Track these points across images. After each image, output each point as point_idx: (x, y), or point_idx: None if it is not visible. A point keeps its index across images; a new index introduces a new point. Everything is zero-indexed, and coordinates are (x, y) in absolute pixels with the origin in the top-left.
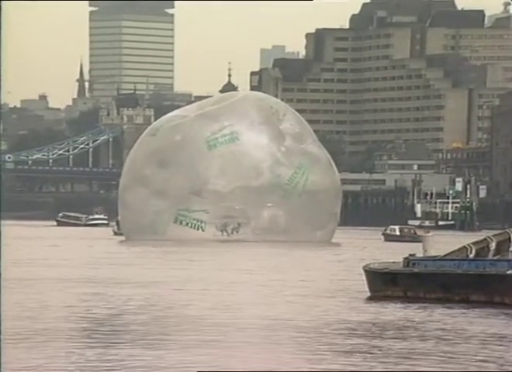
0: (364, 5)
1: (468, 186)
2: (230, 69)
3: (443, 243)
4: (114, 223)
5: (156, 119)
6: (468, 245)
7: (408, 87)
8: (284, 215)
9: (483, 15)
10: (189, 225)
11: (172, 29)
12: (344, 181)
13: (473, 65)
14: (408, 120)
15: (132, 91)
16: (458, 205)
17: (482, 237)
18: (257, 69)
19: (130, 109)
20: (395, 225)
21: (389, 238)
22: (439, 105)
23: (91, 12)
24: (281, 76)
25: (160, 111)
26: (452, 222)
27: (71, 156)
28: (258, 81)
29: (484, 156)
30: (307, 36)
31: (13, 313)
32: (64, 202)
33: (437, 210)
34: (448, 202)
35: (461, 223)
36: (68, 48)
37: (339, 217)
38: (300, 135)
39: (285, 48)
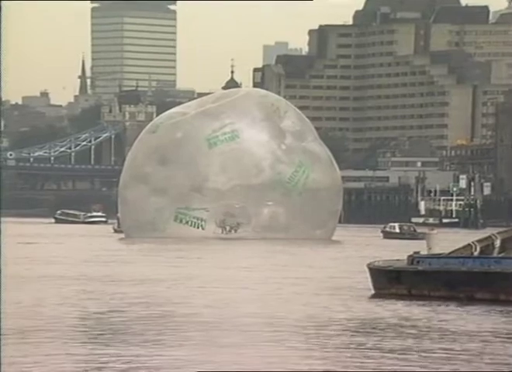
0: (368, 0)
1: (473, 183)
2: (232, 65)
3: (447, 241)
4: (115, 220)
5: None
6: (473, 242)
7: (412, 83)
8: (284, 213)
9: (488, 11)
10: (189, 223)
11: (174, 26)
12: (347, 179)
13: (477, 61)
14: (412, 117)
15: (134, 88)
16: (462, 203)
17: (487, 235)
18: (260, 65)
19: (132, 106)
20: (394, 222)
21: (388, 235)
22: (443, 102)
23: (92, 9)
24: (284, 72)
25: (162, 108)
26: (456, 220)
27: (73, 154)
28: (261, 78)
29: (488, 153)
30: (310, 32)
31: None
32: (65, 200)
33: (441, 207)
34: (451, 199)
35: (466, 221)
36: (70, 44)
37: (341, 215)
38: (301, 132)
39: (288, 44)
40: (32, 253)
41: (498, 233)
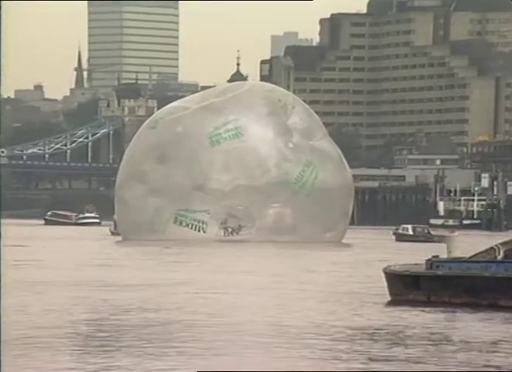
0: None
1: (495, 182)
2: (238, 57)
3: (468, 244)
4: (111, 222)
5: None
6: (496, 245)
7: (430, 76)
8: (291, 214)
9: None
10: (190, 226)
11: (177, 15)
12: (360, 178)
13: (500, 51)
14: (430, 112)
15: (134, 81)
16: (484, 203)
17: (511, 237)
18: (267, 57)
19: (132, 100)
20: (409, 224)
21: (400, 238)
22: (464, 96)
23: None
24: (294, 65)
25: (163, 103)
26: (478, 221)
27: (69, 151)
28: (269, 70)
29: None
30: (321, 21)
31: None
32: (60, 200)
33: (462, 208)
34: (473, 200)
35: (488, 222)
36: (65, 34)
37: (354, 216)
38: (309, 130)
39: (298, 35)
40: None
41: None
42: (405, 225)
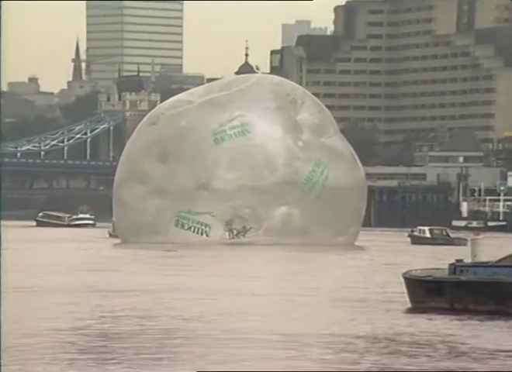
0: None
1: None
2: (247, 48)
3: (494, 247)
4: (109, 223)
5: None
6: None
7: (453, 67)
8: (300, 216)
9: None
10: (192, 229)
11: (181, 2)
12: (378, 176)
13: None
14: (453, 105)
15: (135, 73)
16: (510, 203)
17: None
18: (278, 47)
19: (133, 94)
20: (426, 225)
21: (416, 240)
22: (489, 88)
23: None
24: (306, 55)
25: (167, 96)
26: (504, 223)
27: (66, 148)
28: (280, 62)
29: None
30: (336, 9)
31: None
32: (57, 200)
33: (487, 209)
34: (498, 200)
35: None
36: (63, 23)
37: (370, 217)
38: (320, 126)
39: (311, 23)
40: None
41: None
42: (421, 227)
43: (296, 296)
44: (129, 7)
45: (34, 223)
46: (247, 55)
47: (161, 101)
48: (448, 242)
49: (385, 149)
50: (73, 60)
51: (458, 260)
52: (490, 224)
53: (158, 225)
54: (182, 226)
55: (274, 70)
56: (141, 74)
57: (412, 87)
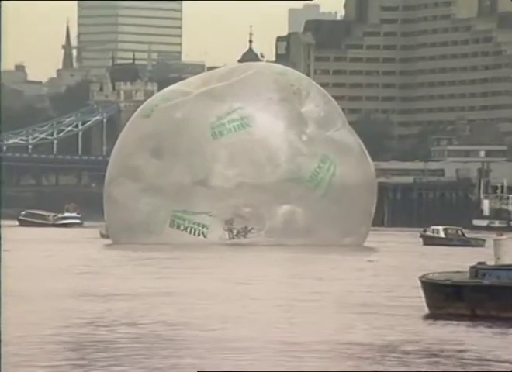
0: None
1: None
2: (251, 34)
3: None
4: (99, 223)
5: None
6: None
7: (474, 54)
8: (304, 215)
9: None
10: (188, 229)
11: None
12: (392, 172)
13: None
14: (473, 96)
15: (130, 61)
16: None
17: None
18: (284, 33)
19: (128, 83)
20: (438, 225)
21: (429, 241)
22: None
23: None
24: (315, 42)
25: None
26: None
27: (56, 141)
28: (286, 49)
29: None
30: None
31: None
32: (46, 198)
33: (510, 207)
34: None
35: None
36: (52, 7)
37: (384, 216)
38: (327, 119)
39: (320, 7)
40: None
41: None
42: (435, 227)
43: (299, 302)
44: None
45: (16, 223)
46: (251, 42)
47: (159, 91)
48: (464, 243)
49: (400, 143)
50: (63, 47)
51: (480, 263)
52: None
53: (152, 224)
54: (178, 227)
55: (280, 57)
56: (137, 62)
57: (429, 76)
